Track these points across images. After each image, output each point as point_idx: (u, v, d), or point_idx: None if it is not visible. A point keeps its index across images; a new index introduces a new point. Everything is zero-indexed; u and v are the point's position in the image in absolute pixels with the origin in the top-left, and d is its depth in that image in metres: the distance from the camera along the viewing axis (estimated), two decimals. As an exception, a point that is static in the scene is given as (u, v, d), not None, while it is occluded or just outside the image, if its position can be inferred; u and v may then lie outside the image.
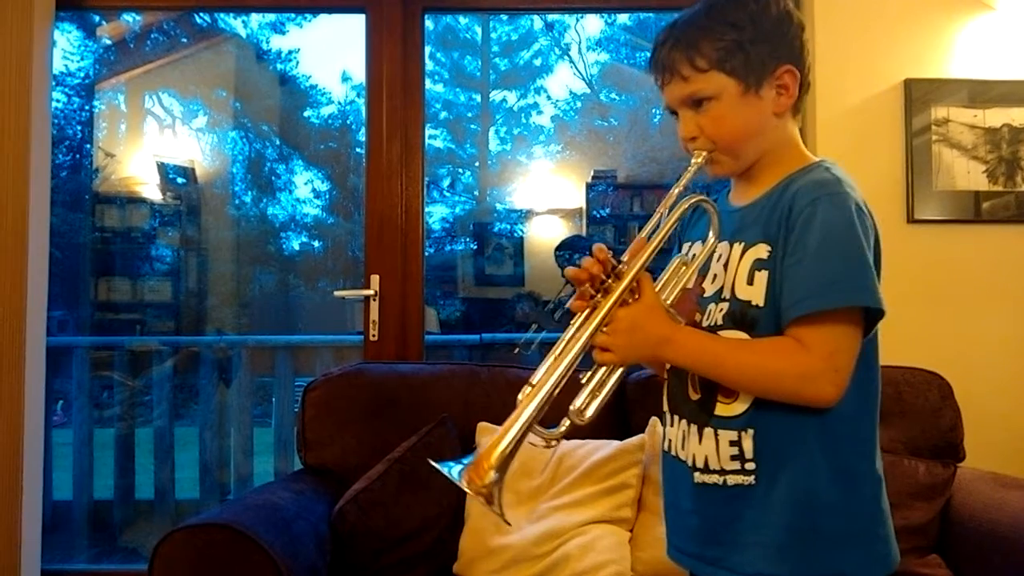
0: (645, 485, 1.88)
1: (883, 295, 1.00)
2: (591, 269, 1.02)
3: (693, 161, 1.09)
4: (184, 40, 5.31)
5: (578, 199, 6.07)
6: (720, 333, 1.06)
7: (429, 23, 2.60)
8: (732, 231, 1.09)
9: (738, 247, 1.07)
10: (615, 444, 1.92)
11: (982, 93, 2.30)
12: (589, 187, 6.06)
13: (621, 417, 2.04)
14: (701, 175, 1.12)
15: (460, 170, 7.77)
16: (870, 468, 1.06)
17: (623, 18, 7.02)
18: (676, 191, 1.07)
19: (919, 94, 2.29)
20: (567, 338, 1.01)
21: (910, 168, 2.29)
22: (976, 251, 2.29)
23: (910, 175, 2.29)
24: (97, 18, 5.00)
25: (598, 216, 5.97)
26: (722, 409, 1.05)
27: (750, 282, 1.04)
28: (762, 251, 1.04)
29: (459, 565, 1.84)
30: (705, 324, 1.09)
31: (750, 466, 1.03)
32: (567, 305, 1.04)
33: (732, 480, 1.04)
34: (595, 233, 5.89)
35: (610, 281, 1.02)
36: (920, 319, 2.26)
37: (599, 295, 1.02)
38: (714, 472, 1.06)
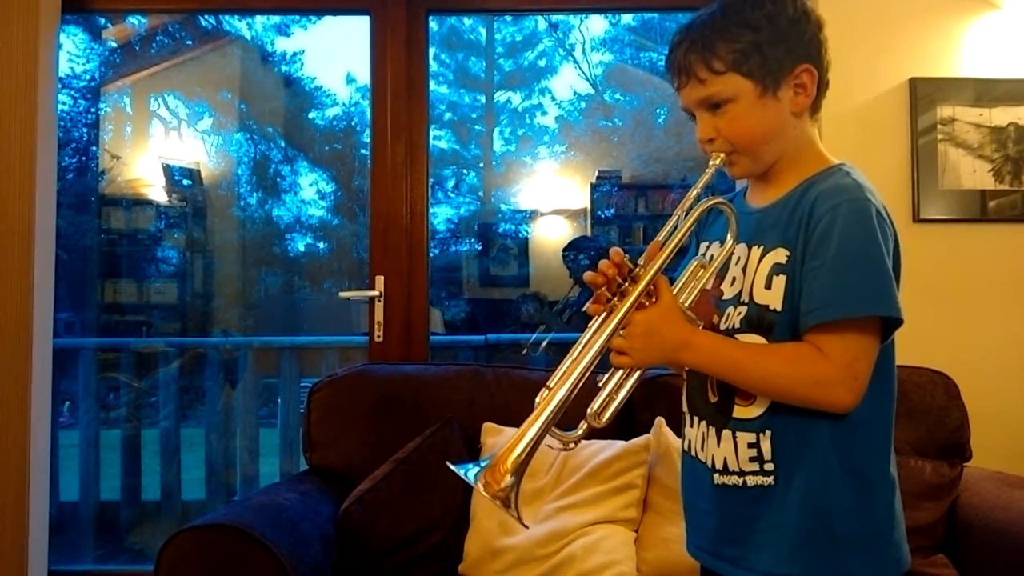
0: (650, 485, 1.88)
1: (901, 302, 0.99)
2: (607, 272, 1.01)
3: (711, 163, 1.08)
4: (189, 42, 5.32)
5: (583, 200, 6.08)
6: (737, 336, 1.05)
7: (433, 24, 2.61)
8: (750, 233, 1.08)
9: (757, 250, 1.06)
10: (620, 444, 1.91)
11: (988, 92, 2.29)
12: (594, 187, 6.06)
13: (627, 417, 2.03)
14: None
15: (465, 171, 7.77)
16: (885, 472, 1.06)
17: (627, 18, 7.03)
18: (694, 193, 1.06)
19: (924, 93, 2.28)
20: (584, 341, 1.01)
21: (916, 167, 2.28)
22: (982, 250, 2.29)
23: (916, 174, 2.28)
24: (103, 21, 5.02)
25: (603, 216, 5.97)
26: (740, 412, 1.05)
27: (768, 286, 1.03)
28: (781, 256, 1.03)
29: (464, 566, 1.83)
30: (723, 327, 1.08)
31: (769, 467, 1.03)
32: (584, 308, 1.04)
33: (752, 481, 1.04)
34: (600, 234, 5.90)
35: (626, 284, 1.01)
36: (926, 319, 2.25)
37: (615, 298, 1.01)
38: (733, 473, 1.06)
